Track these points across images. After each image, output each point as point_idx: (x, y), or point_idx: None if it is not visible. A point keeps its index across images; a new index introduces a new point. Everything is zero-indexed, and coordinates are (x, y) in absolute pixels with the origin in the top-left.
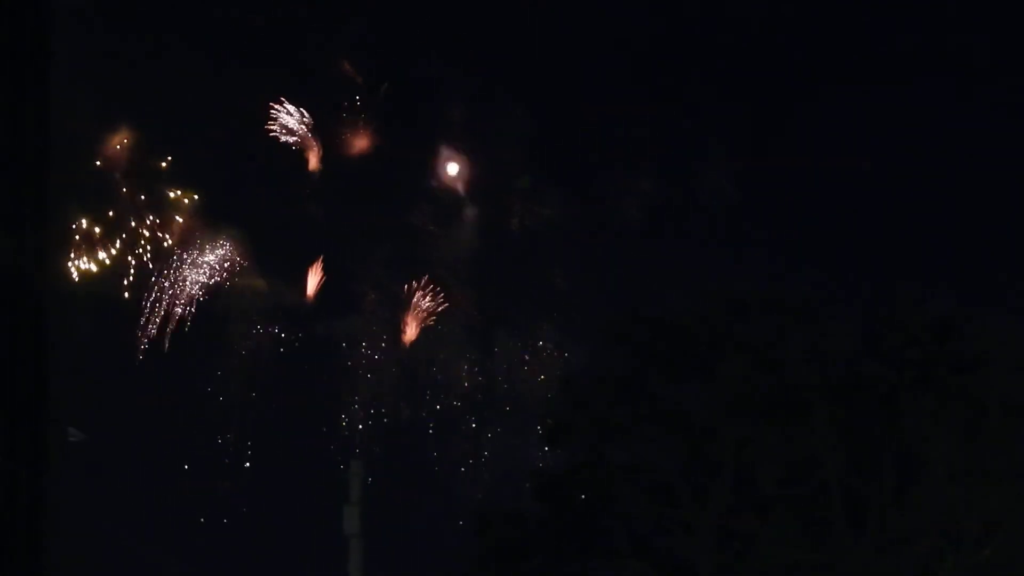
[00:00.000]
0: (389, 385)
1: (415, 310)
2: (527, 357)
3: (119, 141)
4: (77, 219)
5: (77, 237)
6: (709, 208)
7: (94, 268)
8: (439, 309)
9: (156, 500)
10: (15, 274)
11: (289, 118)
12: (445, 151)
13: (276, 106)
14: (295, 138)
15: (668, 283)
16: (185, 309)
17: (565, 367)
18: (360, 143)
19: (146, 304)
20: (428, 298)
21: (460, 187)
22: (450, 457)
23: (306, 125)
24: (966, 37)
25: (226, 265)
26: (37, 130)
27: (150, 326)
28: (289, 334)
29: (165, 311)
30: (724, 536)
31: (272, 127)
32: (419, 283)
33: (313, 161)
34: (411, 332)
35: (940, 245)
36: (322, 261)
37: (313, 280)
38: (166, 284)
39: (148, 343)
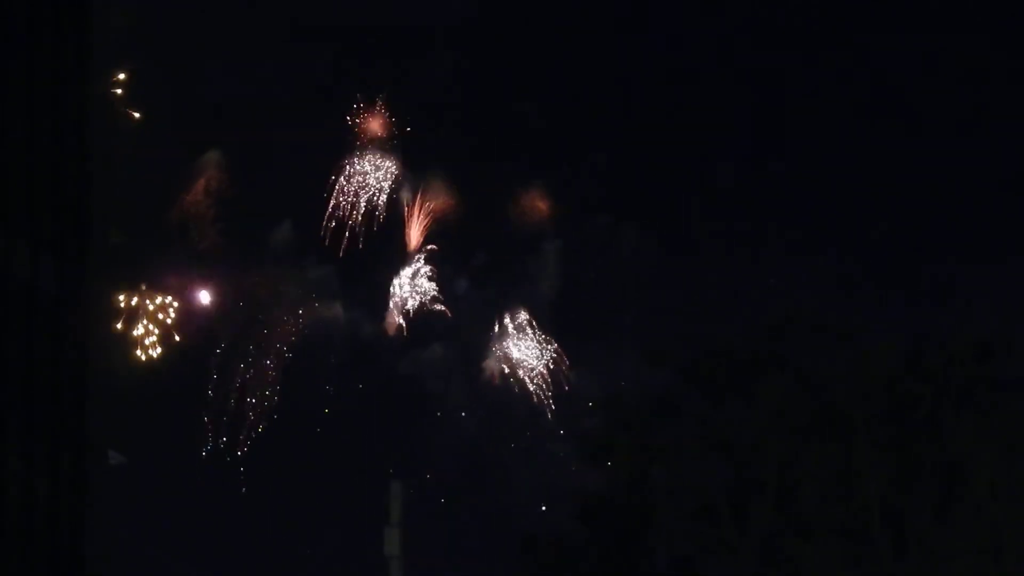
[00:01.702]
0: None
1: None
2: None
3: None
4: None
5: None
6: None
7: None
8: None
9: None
10: (57, 304)
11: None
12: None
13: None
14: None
15: (713, 304)
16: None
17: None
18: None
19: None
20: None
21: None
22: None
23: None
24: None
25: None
26: (78, 162)
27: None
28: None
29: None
30: (767, 556)
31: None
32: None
33: None
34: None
35: (980, 265)
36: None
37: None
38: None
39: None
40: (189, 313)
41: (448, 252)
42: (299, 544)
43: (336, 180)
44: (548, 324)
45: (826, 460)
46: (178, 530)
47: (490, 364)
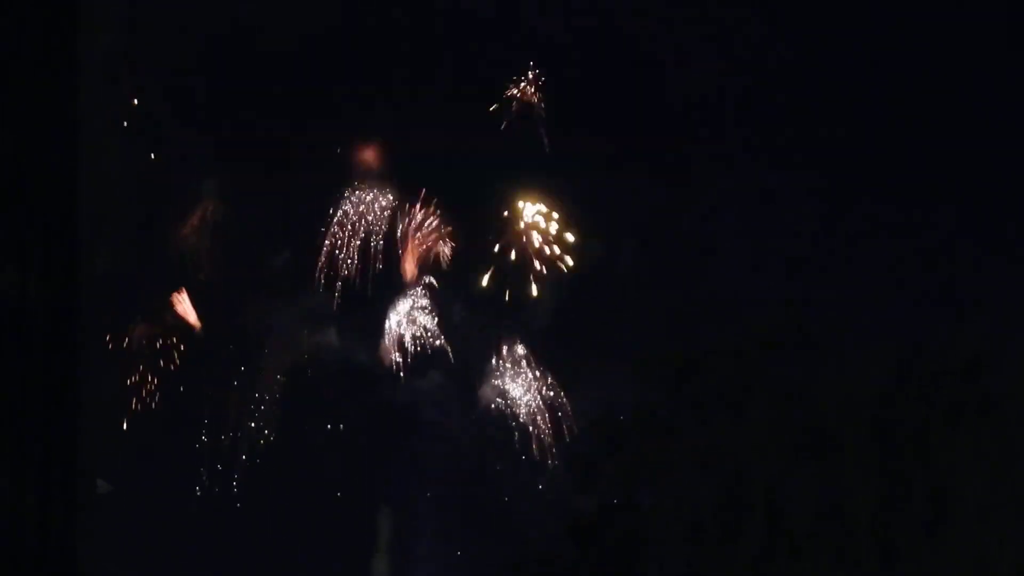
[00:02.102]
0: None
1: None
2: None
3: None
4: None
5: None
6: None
7: None
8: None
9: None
10: (47, 327)
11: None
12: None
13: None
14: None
15: (699, 318)
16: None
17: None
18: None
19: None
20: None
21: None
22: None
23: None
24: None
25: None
26: (67, 183)
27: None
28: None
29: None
30: None
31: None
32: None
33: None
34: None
35: (971, 277)
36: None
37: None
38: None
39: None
40: (186, 345)
41: (446, 279)
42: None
43: (333, 212)
44: (546, 348)
45: (816, 479)
46: (168, 559)
47: (486, 394)
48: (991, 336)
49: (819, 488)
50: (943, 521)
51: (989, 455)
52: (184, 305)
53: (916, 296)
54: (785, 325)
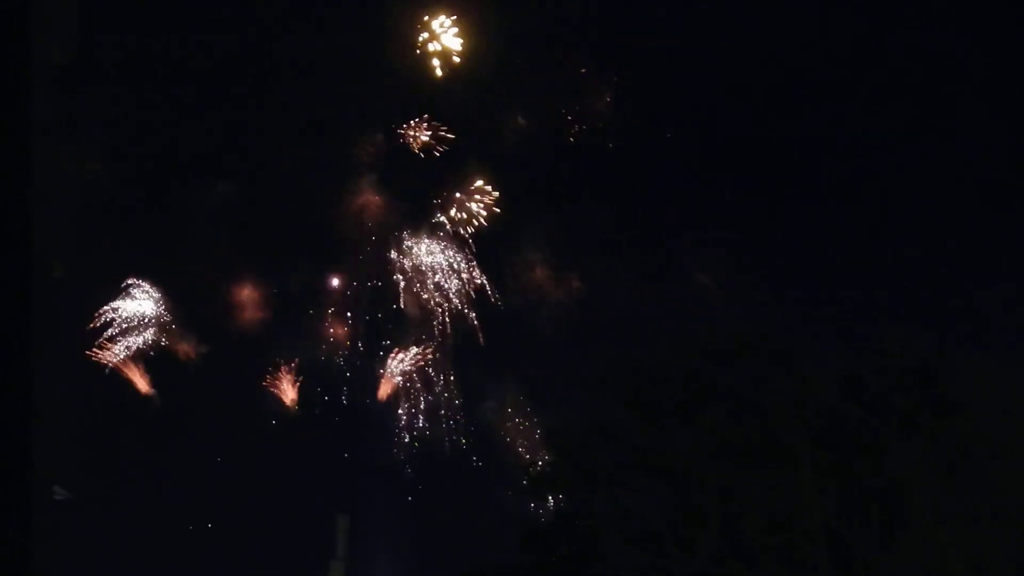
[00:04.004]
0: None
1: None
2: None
3: None
4: None
5: None
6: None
7: None
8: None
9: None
10: (0, 336)
11: None
12: None
13: None
14: None
15: (652, 328)
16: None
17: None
18: None
19: None
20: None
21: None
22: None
23: None
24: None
25: None
26: (16, 183)
27: None
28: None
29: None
30: None
31: None
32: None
33: None
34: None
35: (921, 284)
36: None
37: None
38: None
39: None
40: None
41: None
42: None
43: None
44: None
45: (769, 487)
46: (126, 567)
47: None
48: (942, 343)
49: (772, 495)
50: (897, 527)
51: (942, 461)
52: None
53: (868, 305)
54: (737, 335)
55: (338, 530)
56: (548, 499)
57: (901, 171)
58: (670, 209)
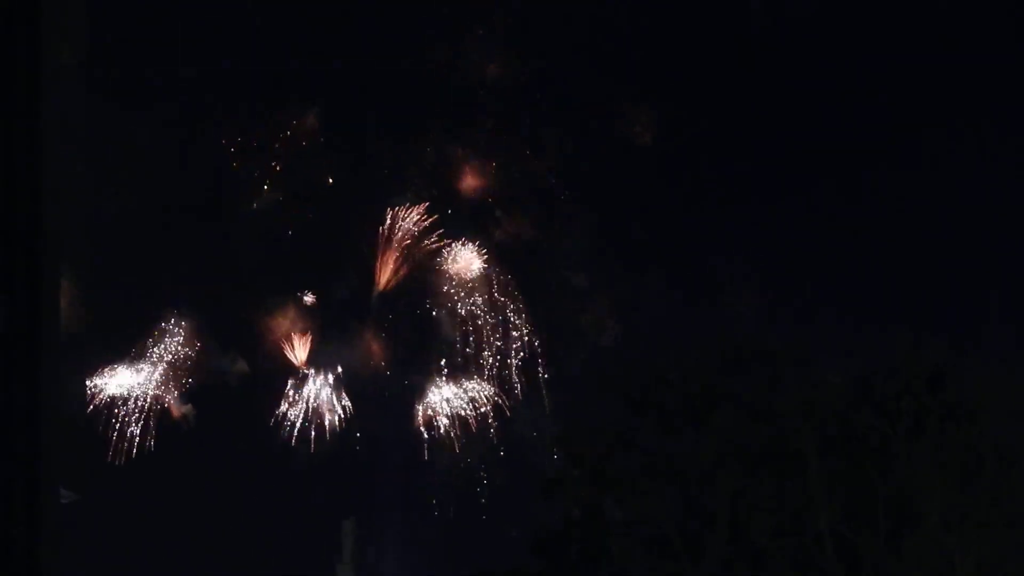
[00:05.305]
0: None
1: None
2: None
3: None
4: None
5: None
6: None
7: None
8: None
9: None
10: (8, 339)
11: None
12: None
13: None
14: None
15: (666, 335)
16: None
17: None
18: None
19: None
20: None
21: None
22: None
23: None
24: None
25: None
26: (29, 196)
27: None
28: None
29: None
30: None
31: None
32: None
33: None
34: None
35: (931, 292)
36: None
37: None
38: None
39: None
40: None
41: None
42: None
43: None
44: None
45: (778, 491)
46: (133, 570)
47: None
48: (951, 350)
49: (781, 499)
50: (905, 531)
51: (951, 466)
52: None
53: (877, 313)
54: (747, 342)
55: (344, 534)
56: (557, 502)
57: (909, 177)
58: (702, 224)
